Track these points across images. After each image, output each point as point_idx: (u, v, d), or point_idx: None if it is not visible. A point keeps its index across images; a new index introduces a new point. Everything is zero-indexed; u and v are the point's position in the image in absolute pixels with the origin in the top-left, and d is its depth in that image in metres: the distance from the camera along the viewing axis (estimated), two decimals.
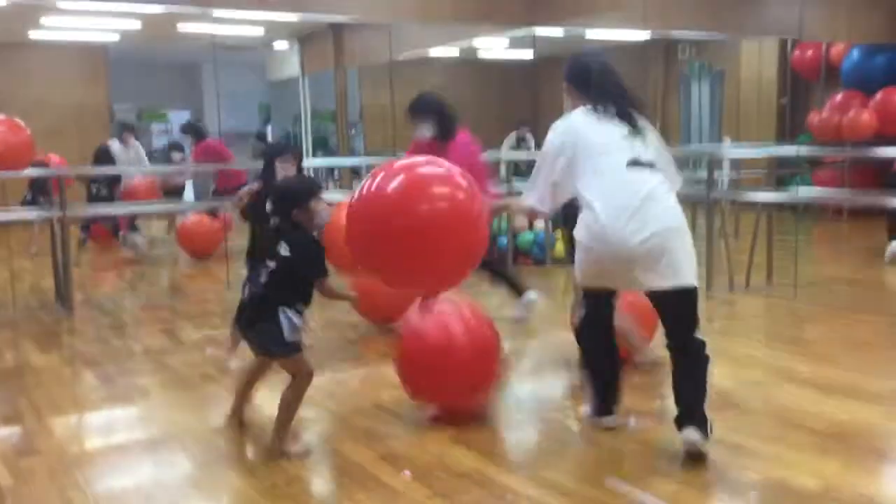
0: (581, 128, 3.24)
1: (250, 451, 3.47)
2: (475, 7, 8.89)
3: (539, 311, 5.39)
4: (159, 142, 17.06)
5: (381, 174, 3.10)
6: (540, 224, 7.99)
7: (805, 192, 7.49)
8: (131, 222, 9.23)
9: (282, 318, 3.15)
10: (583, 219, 3.16)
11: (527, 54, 15.52)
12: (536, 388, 4.32)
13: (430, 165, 3.26)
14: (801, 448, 3.24)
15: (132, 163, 9.69)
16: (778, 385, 4.05)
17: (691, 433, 3.04)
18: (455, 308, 3.63)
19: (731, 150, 8.53)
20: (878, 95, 10.44)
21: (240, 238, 6.89)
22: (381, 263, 3.13)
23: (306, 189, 3.32)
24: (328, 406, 3.90)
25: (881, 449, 3.27)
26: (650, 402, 3.87)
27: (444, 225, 3.01)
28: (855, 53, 11.09)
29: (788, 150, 9.69)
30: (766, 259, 6.53)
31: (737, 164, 10.21)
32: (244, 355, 3.65)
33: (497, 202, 3.97)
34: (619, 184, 3.11)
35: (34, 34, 11.68)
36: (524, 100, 17.45)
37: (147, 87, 16.73)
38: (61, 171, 7.12)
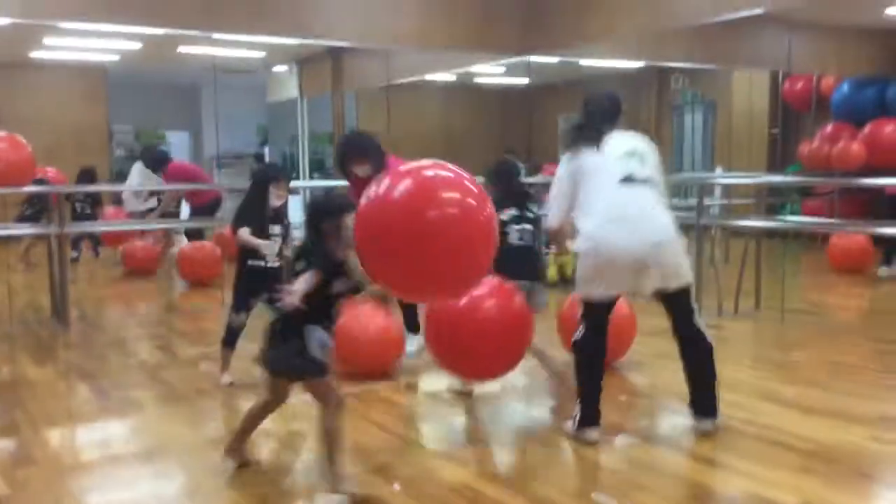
0: (581, 160, 3.58)
1: (242, 466, 3.52)
2: (470, 35, 9.04)
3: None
4: None
5: (388, 178, 2.93)
6: None
7: (794, 220, 7.61)
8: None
9: (308, 334, 3.00)
10: (582, 233, 3.52)
11: (522, 80, 15.72)
12: (525, 404, 4.39)
13: (439, 169, 3.02)
14: (783, 466, 3.32)
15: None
16: (762, 406, 4.12)
17: (704, 423, 3.62)
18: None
19: (722, 177, 8.65)
20: (867, 127, 10.62)
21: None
22: (388, 271, 2.94)
23: (340, 204, 3.20)
24: None
25: (863, 469, 3.33)
26: (636, 420, 3.95)
27: (454, 230, 2.83)
28: (845, 86, 11.28)
29: (778, 179, 9.84)
30: (755, 285, 6.63)
31: (727, 191, 10.34)
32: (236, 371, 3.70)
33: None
34: (612, 199, 3.46)
35: (36, 54, 11.82)
36: (519, 125, 17.68)
37: (146, 108, 16.85)
38: (59, 188, 7.20)
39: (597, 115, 3.70)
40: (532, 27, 9.18)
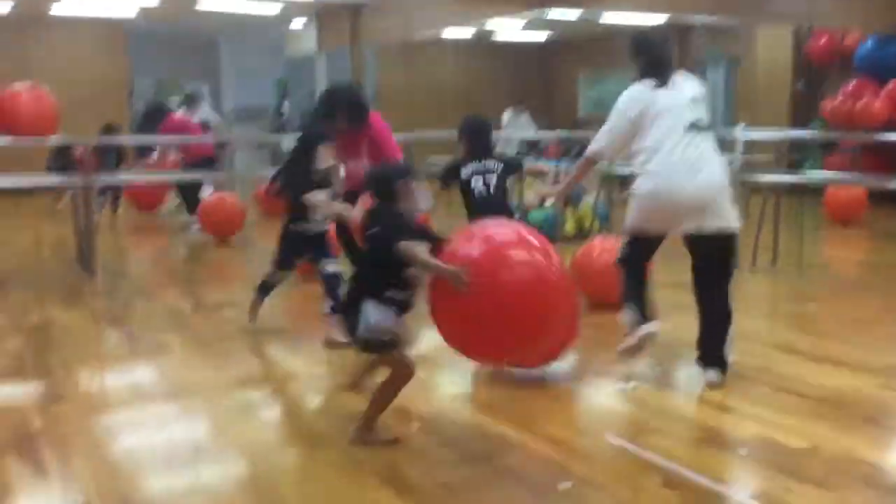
0: (648, 94, 3.68)
1: (267, 405, 3.65)
2: None
3: None
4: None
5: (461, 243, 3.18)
6: (549, 203, 8.13)
7: (816, 175, 7.58)
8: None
9: (370, 308, 2.96)
10: (644, 172, 3.64)
11: (540, 36, 15.51)
12: None
13: (506, 230, 3.35)
14: (793, 412, 3.39)
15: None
16: (776, 355, 4.19)
17: (711, 374, 3.68)
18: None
19: (744, 133, 8.60)
20: (891, 84, 10.50)
21: None
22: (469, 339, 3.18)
23: (405, 166, 3.38)
24: (344, 364, 4.07)
25: (871, 416, 3.39)
26: (650, 368, 4.03)
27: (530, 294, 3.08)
28: (869, 42, 11.12)
29: (801, 134, 9.78)
30: (773, 240, 6.65)
31: (749, 147, 10.28)
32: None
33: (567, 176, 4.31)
34: (677, 143, 3.59)
35: (56, 9, 11.85)
36: (538, 82, 17.56)
37: (166, 62, 16.88)
38: (83, 139, 7.29)
39: (666, 53, 3.81)
40: None
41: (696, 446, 3.09)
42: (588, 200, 7.97)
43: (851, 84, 11.05)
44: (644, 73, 3.72)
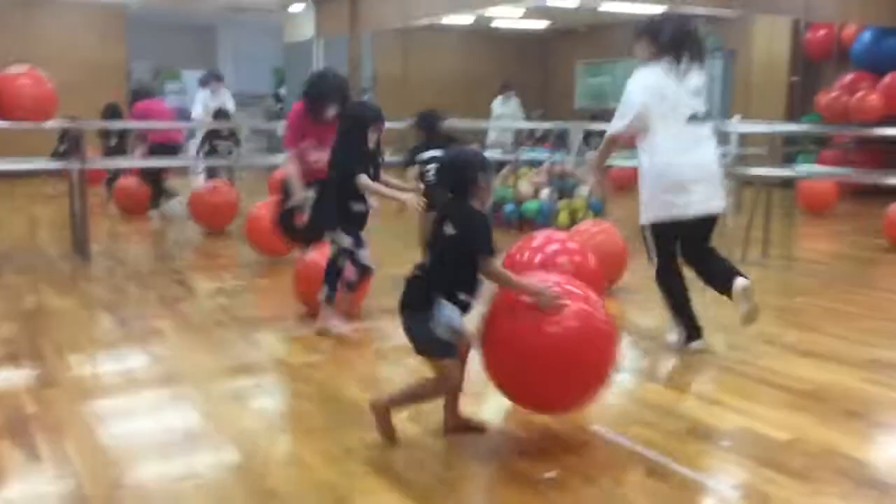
0: (658, 84, 3.98)
1: (259, 392, 3.69)
2: None
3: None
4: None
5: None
6: (544, 193, 8.18)
7: (808, 170, 7.62)
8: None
9: (438, 310, 2.81)
10: (650, 156, 4.02)
11: (539, 24, 15.47)
12: None
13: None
14: (776, 405, 3.44)
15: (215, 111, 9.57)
16: (762, 349, 4.23)
17: (741, 281, 3.87)
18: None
19: (737, 126, 8.63)
20: (887, 77, 10.52)
21: None
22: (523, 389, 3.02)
23: (481, 161, 2.97)
24: (336, 353, 4.11)
25: (854, 409, 3.44)
26: (636, 359, 4.07)
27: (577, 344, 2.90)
28: (866, 35, 11.14)
29: (795, 128, 9.80)
30: (763, 233, 6.69)
31: (743, 140, 10.32)
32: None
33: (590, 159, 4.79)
34: (680, 131, 3.98)
35: None
36: (536, 70, 17.54)
37: (163, 48, 16.86)
38: (83, 123, 7.29)
39: (691, 32, 4.04)
40: None
41: (680, 438, 3.13)
42: (582, 192, 8.01)
43: (848, 77, 11.08)
44: (663, 50, 3.96)
